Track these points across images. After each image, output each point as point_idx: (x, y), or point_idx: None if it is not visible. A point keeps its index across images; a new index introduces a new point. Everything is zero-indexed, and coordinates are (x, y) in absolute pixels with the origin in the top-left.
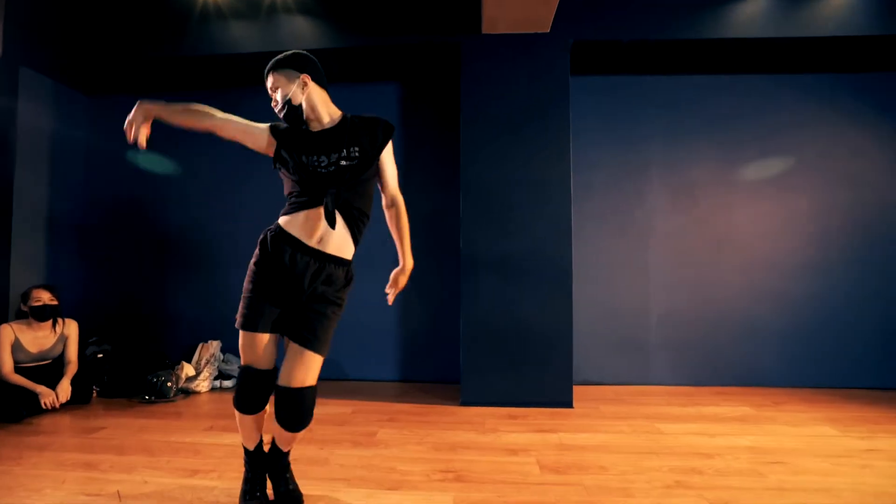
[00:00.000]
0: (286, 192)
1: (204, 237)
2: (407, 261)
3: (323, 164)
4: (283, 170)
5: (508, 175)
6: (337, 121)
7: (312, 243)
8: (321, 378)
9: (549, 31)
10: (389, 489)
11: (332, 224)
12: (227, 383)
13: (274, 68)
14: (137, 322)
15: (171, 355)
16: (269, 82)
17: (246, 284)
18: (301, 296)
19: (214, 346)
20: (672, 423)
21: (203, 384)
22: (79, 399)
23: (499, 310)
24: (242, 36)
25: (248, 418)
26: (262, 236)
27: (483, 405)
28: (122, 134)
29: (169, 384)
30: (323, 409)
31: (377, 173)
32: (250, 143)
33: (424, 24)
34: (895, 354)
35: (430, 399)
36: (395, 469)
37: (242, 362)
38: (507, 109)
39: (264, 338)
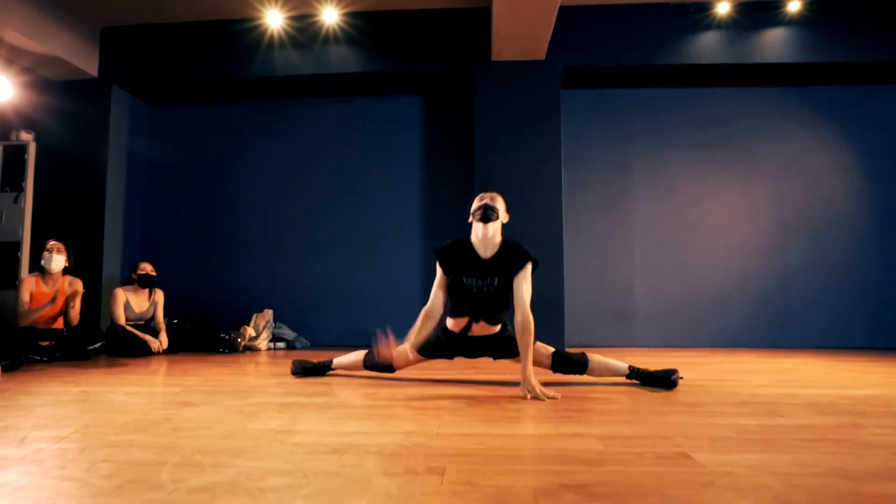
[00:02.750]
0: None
1: (246, 228)
2: (526, 374)
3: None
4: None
5: (513, 169)
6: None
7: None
8: (361, 344)
9: (544, 58)
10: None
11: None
12: (280, 345)
13: (499, 193)
14: (194, 297)
15: (223, 325)
16: (492, 194)
17: None
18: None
19: (269, 314)
20: (639, 359)
21: (263, 343)
22: (169, 350)
23: None
24: (299, 61)
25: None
26: None
27: None
28: (178, 140)
29: (239, 340)
30: None
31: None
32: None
33: (446, 53)
34: (839, 317)
35: None
36: (436, 368)
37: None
38: (512, 118)
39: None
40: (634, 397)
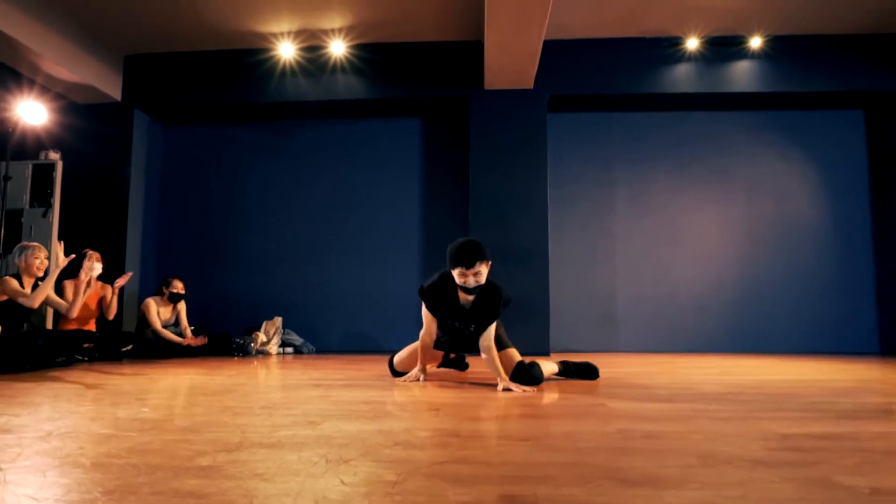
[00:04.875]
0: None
1: (257, 241)
2: (501, 377)
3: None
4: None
5: (503, 188)
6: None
7: None
8: (364, 350)
9: (532, 87)
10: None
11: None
12: (289, 350)
13: (482, 259)
14: (207, 306)
15: (234, 331)
16: (476, 268)
17: None
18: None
19: (279, 321)
20: (615, 360)
21: (273, 348)
22: (186, 354)
23: None
24: (309, 88)
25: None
26: None
27: None
28: (193, 158)
29: (252, 345)
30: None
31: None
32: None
33: (444, 81)
34: (809, 322)
35: None
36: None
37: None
38: (503, 140)
39: None
40: (589, 387)
